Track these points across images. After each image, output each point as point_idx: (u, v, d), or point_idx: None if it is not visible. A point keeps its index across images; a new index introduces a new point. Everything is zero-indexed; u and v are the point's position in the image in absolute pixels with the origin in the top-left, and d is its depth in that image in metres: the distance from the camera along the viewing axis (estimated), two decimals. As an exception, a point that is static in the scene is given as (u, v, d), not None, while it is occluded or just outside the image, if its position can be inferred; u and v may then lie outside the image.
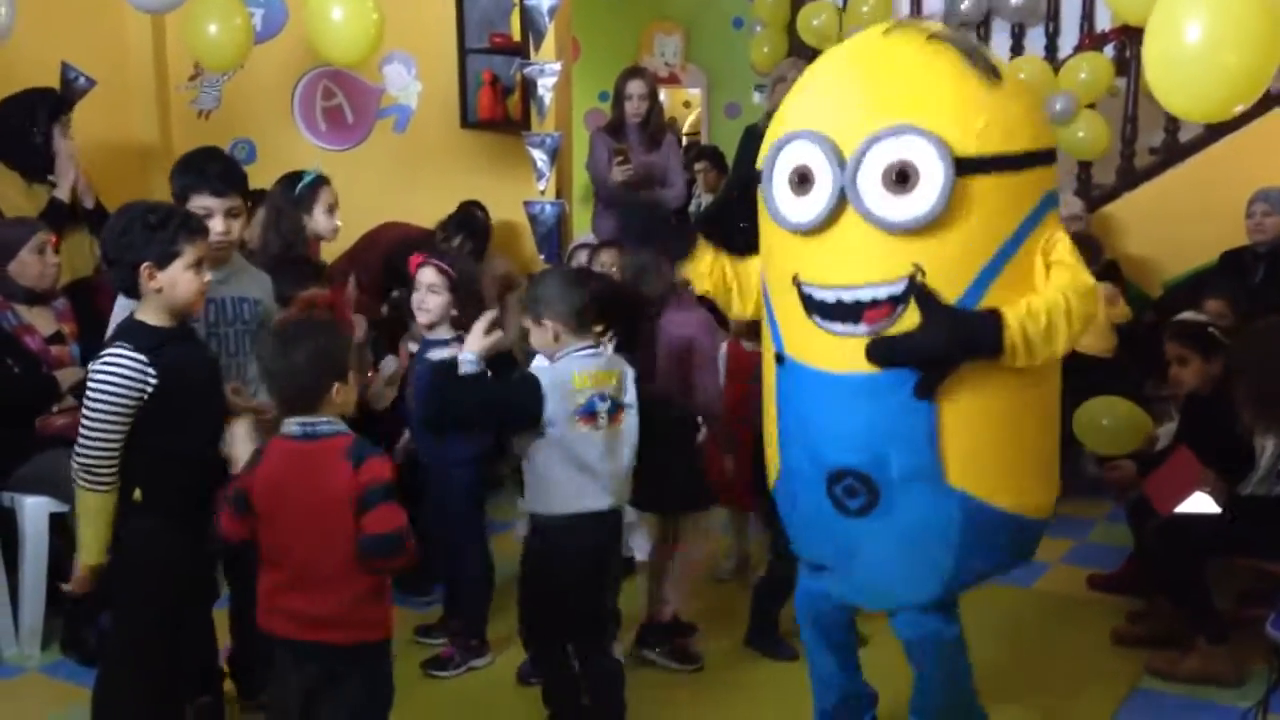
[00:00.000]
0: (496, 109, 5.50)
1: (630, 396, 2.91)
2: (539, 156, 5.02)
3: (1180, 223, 5.66)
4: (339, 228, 3.85)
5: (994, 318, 2.42)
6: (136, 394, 2.56)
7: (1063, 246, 2.51)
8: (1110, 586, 4.14)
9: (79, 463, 2.59)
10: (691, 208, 5.75)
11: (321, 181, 3.84)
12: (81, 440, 2.58)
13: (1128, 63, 6.21)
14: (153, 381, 2.56)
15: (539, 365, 2.98)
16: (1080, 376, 4.88)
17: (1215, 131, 5.91)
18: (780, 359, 2.64)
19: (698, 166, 6.11)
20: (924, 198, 2.38)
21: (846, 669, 2.91)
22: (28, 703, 3.40)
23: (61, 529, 3.61)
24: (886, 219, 2.41)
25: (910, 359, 2.45)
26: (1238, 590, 3.82)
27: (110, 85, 5.15)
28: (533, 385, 2.78)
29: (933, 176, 2.37)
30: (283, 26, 5.44)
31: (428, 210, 5.16)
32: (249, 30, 4.87)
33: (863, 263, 2.47)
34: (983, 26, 6.60)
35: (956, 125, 2.40)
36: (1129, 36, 6.14)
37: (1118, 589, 4.09)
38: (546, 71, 4.94)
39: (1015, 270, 2.48)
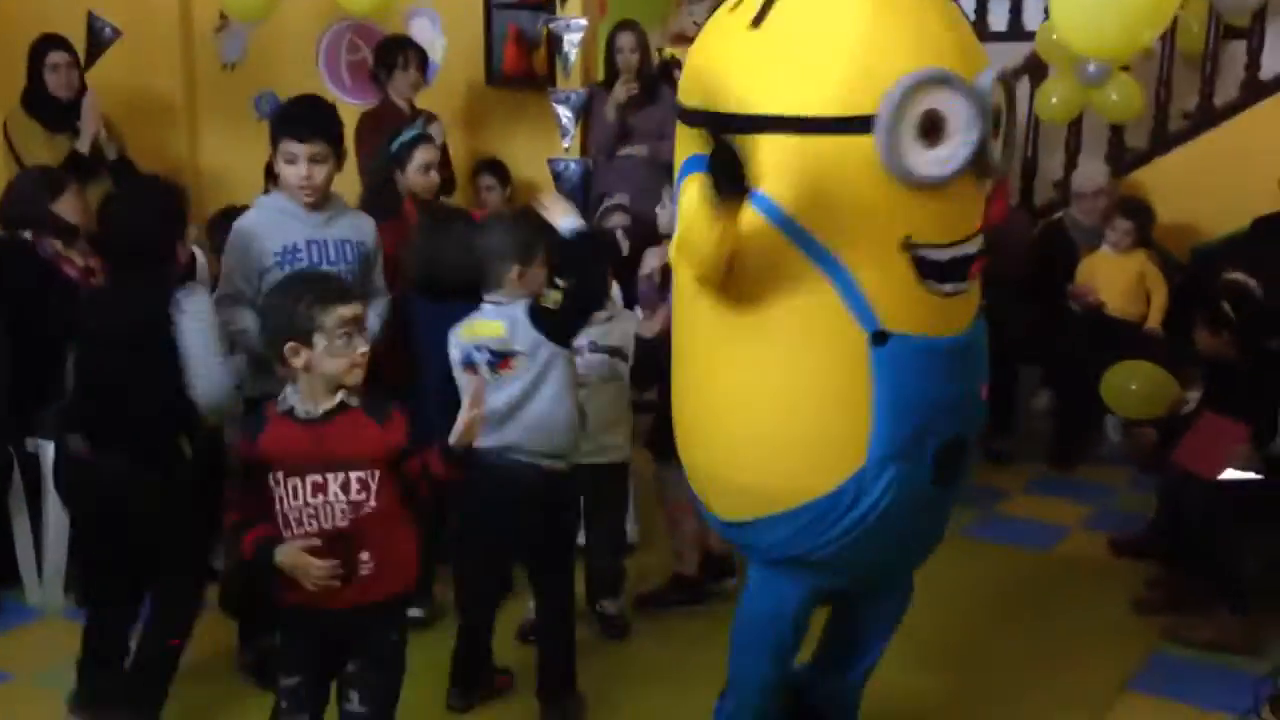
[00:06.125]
0: (522, 64, 5.46)
1: (521, 343, 2.83)
2: (564, 113, 4.99)
3: (1213, 188, 5.56)
4: (435, 184, 3.82)
5: None
6: None
7: None
8: (1132, 550, 4.10)
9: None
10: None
11: (420, 140, 3.82)
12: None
13: (1163, 25, 6.10)
14: None
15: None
16: (1109, 341, 4.93)
17: (1251, 95, 5.81)
18: (882, 337, 2.32)
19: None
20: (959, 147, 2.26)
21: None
22: (51, 645, 3.43)
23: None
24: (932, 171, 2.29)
25: None
26: (1266, 558, 3.79)
27: (135, 36, 5.14)
28: None
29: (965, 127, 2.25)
30: (309, -22, 5.40)
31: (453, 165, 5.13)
32: (277, -19, 4.86)
33: (971, 214, 2.40)
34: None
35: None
36: (1165, -2, 6.03)
37: (1139, 553, 4.06)
38: (573, 27, 4.91)
39: None
